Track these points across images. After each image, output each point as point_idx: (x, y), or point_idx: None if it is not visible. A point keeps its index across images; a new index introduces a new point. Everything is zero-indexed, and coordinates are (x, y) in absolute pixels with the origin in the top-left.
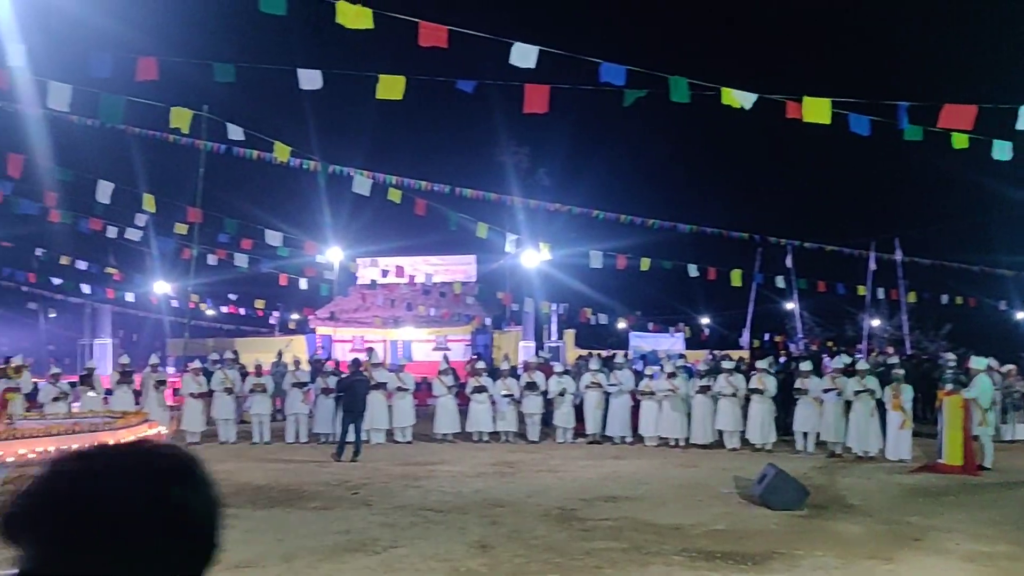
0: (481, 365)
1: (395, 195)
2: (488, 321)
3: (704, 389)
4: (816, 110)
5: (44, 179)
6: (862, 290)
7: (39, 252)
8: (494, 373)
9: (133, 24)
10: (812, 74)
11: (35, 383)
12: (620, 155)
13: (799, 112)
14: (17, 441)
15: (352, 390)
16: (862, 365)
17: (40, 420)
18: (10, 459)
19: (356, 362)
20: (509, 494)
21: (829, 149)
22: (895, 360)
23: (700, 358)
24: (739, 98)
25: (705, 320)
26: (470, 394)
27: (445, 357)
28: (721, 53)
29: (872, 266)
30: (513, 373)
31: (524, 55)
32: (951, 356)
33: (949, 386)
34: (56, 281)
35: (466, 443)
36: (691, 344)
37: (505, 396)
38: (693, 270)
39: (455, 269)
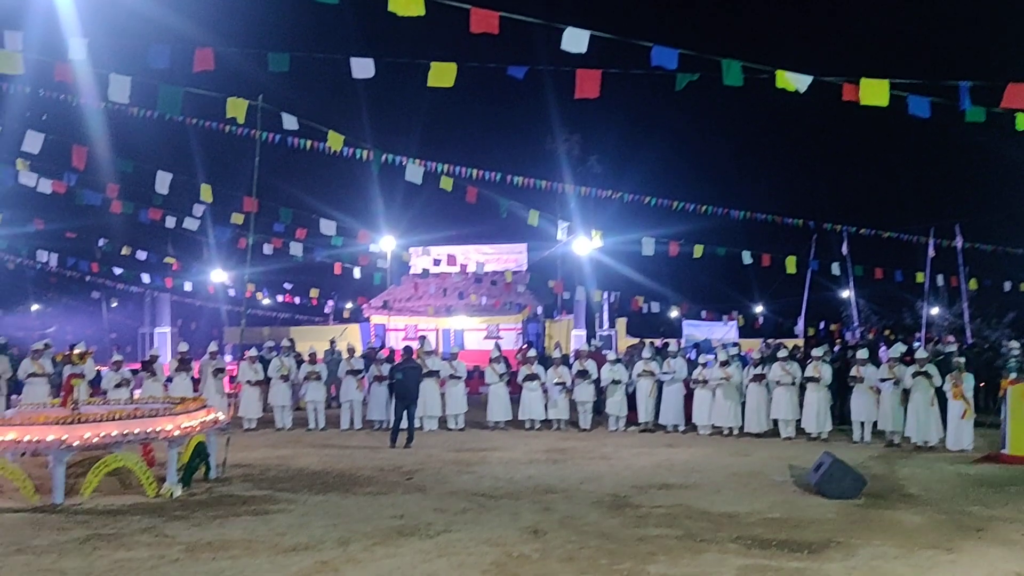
0: (532, 353)
1: (447, 183)
2: (539, 310)
3: (758, 377)
4: (874, 92)
5: (106, 170)
6: (921, 277)
7: (101, 242)
8: (546, 361)
9: (189, 15)
10: (869, 54)
11: (98, 370)
12: (672, 140)
13: (856, 94)
14: (82, 425)
15: (404, 378)
16: (921, 354)
17: (103, 405)
18: (76, 442)
19: (408, 350)
20: (561, 481)
21: (887, 132)
22: (954, 348)
23: (754, 346)
24: (794, 81)
25: (759, 308)
26: (522, 382)
27: (497, 345)
28: (775, 35)
29: (931, 252)
30: (565, 361)
31: (575, 40)
32: (1015, 344)
33: (1013, 375)
34: (117, 271)
35: (518, 431)
36: (745, 332)
37: (557, 384)
38: (747, 257)
39: (506, 258)
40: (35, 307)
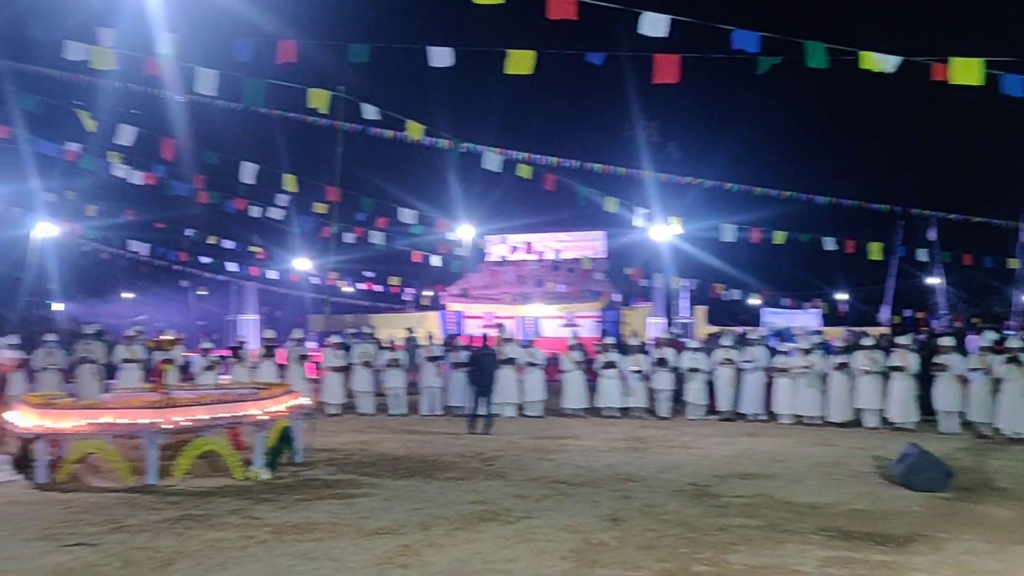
0: (610, 341)
1: (525, 171)
2: (617, 297)
3: (842, 366)
4: (966, 71)
5: (193, 162)
6: (1013, 263)
7: (189, 232)
8: (623, 349)
9: (270, 9)
10: (961, 32)
11: (187, 356)
12: (753, 125)
13: (946, 74)
14: (173, 409)
15: (479, 364)
16: (1013, 342)
17: (192, 390)
18: (167, 426)
19: (483, 337)
20: (640, 469)
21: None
22: None
23: (837, 334)
24: (880, 61)
25: (843, 296)
26: (599, 370)
27: (574, 333)
28: (860, 14)
29: (1023, 238)
30: (642, 349)
31: (654, 24)
32: None
33: None
34: (204, 260)
35: (595, 419)
36: (828, 321)
37: (635, 372)
38: (830, 243)
39: (584, 245)
40: (127, 295)
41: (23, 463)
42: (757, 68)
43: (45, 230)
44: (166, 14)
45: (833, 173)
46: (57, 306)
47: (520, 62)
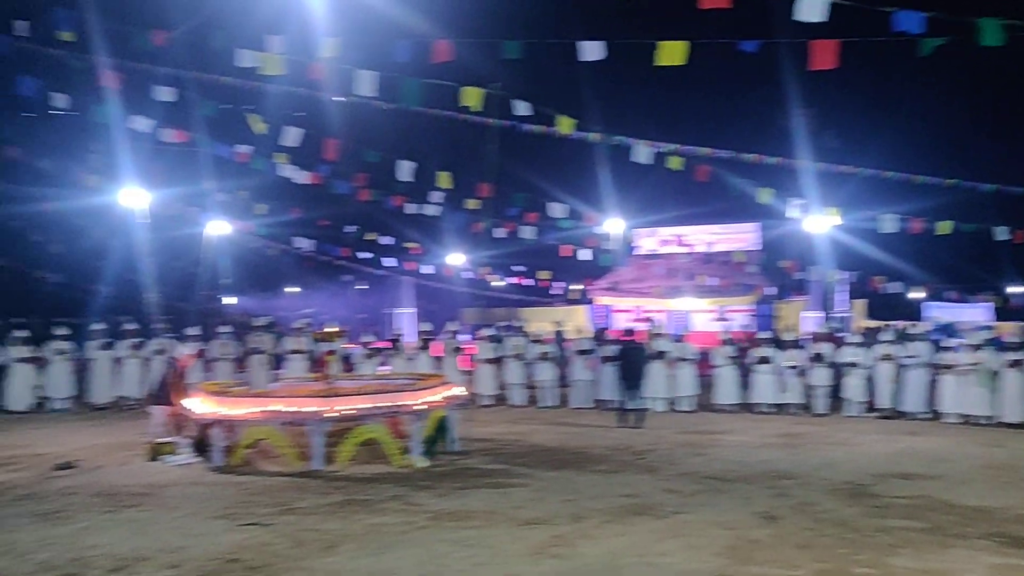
0: (765, 335)
1: (675, 163)
2: (771, 290)
3: (1016, 363)
4: None
5: (353, 161)
6: None
7: (350, 229)
8: (778, 344)
9: (425, 10)
10: None
11: (347, 348)
12: (915, 110)
13: None
14: (337, 399)
15: (626, 358)
16: None
17: (354, 380)
18: (332, 414)
19: (629, 331)
20: (796, 466)
21: None
22: None
23: (1010, 330)
24: None
25: (1016, 289)
26: (753, 365)
27: (726, 327)
28: None
29: None
30: (798, 344)
31: (811, 8)
32: None
33: None
34: (364, 255)
35: (747, 414)
36: (1000, 315)
37: (790, 367)
38: (1003, 233)
39: (737, 237)
40: (293, 289)
41: (202, 447)
42: (921, 50)
43: (218, 228)
44: (328, 20)
45: (1002, 159)
46: (229, 300)
47: (672, 53)
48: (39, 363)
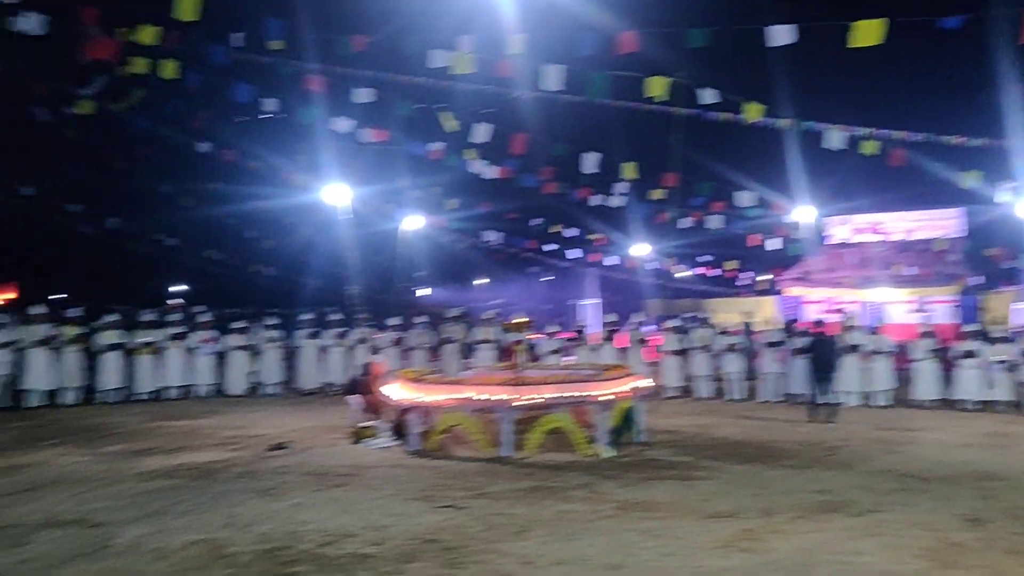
0: (970, 328)
1: (870, 147)
2: (977, 280)
3: None
4: None
5: (540, 155)
6: None
7: (536, 221)
8: (985, 337)
9: (608, 2)
10: None
11: (532, 338)
12: None
13: None
14: (525, 387)
15: (817, 351)
16: None
17: (542, 370)
18: (520, 403)
19: (819, 323)
20: (1005, 468)
21: None
22: None
23: None
24: None
25: None
26: (957, 359)
27: (926, 319)
28: None
29: None
30: (1008, 337)
31: None
32: None
33: None
34: (550, 247)
35: (949, 411)
36: None
37: (999, 362)
38: None
39: (938, 224)
40: (482, 281)
41: (400, 431)
42: None
43: (413, 223)
44: (515, 18)
45: None
46: (423, 291)
47: (867, 33)
48: (253, 351)
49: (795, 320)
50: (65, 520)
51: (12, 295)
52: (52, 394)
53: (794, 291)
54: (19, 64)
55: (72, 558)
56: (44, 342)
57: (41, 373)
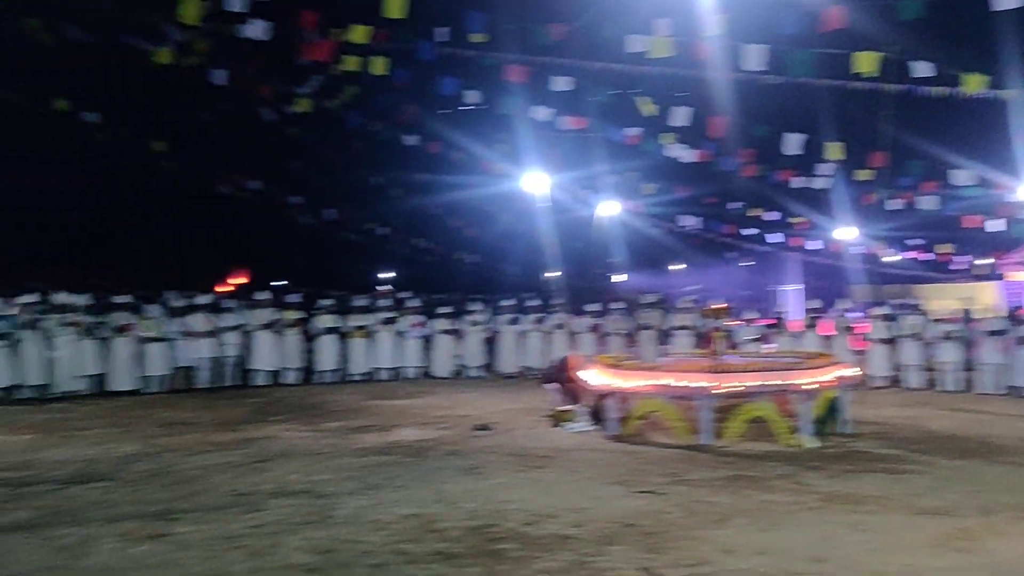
0: None
1: None
2: None
3: None
4: None
5: (739, 137)
6: None
7: (734, 206)
8: None
9: None
10: None
11: (730, 325)
12: None
13: None
14: (725, 375)
15: None
16: None
17: (741, 357)
18: (720, 390)
19: None
20: None
21: None
22: None
23: None
24: None
25: None
26: None
27: None
28: None
29: None
30: None
31: None
32: None
33: None
34: (748, 231)
35: None
36: None
37: None
38: None
39: None
40: (679, 267)
41: (598, 416)
42: None
43: (609, 209)
44: None
45: None
46: (619, 277)
47: None
48: (458, 334)
49: (1020, 307)
50: (294, 490)
51: (244, 280)
52: (276, 374)
53: (1019, 276)
54: (247, 68)
55: (301, 525)
56: (268, 326)
57: (266, 354)
